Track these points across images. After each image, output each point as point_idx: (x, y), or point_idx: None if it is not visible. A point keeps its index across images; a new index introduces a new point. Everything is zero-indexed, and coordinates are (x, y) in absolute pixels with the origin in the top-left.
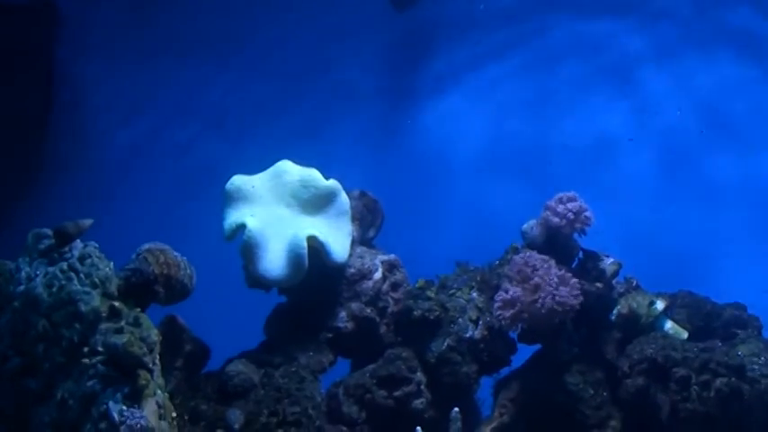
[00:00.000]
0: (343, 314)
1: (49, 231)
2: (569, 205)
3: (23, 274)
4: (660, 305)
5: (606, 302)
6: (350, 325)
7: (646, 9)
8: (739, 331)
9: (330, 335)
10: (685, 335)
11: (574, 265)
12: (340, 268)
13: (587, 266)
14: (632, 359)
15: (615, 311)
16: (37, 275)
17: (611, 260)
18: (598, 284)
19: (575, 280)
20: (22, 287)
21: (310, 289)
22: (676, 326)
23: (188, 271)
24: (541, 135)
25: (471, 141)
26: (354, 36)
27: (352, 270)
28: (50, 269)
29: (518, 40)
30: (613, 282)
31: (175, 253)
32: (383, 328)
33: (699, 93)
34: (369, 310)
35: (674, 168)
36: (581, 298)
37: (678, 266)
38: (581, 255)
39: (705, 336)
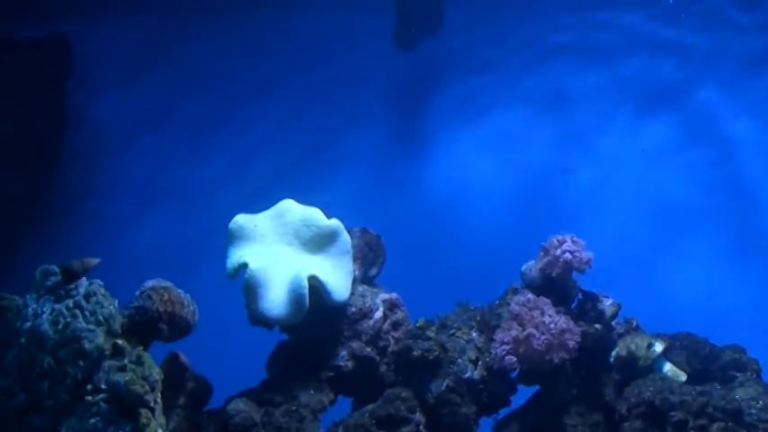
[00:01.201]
0: (343, 353)
1: (56, 268)
2: (568, 246)
3: (30, 310)
4: (658, 347)
5: (605, 344)
6: (350, 364)
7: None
8: (738, 374)
9: (331, 374)
10: (684, 377)
11: (573, 306)
12: (341, 307)
13: (586, 308)
14: (630, 402)
15: (614, 353)
16: (43, 312)
17: (611, 301)
18: (597, 326)
19: (572, 322)
20: (28, 323)
21: (312, 327)
22: (675, 368)
23: (191, 308)
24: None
25: (478, 179)
26: (359, 77)
27: (353, 309)
28: (56, 306)
29: (527, 78)
30: (613, 323)
31: (178, 290)
32: (383, 368)
33: None
34: (369, 350)
35: None
36: (579, 340)
37: None
38: (580, 296)
39: (704, 378)
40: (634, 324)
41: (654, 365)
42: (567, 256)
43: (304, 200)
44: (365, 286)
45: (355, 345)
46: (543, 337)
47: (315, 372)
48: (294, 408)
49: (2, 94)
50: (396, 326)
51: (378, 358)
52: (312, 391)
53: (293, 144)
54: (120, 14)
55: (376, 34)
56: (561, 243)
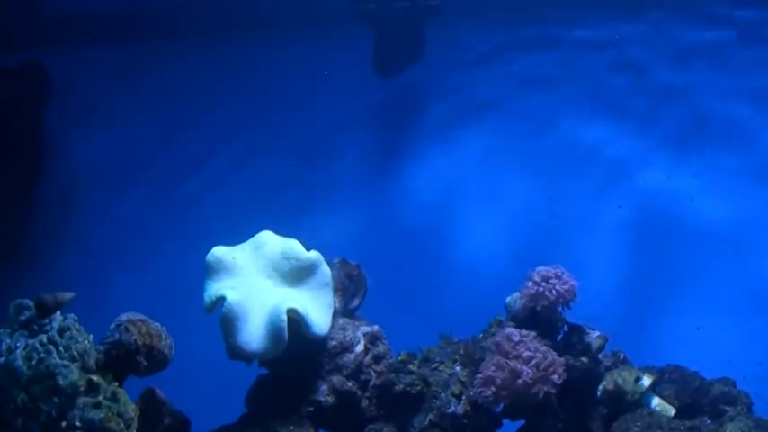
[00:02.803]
0: (323, 387)
1: (30, 303)
2: (553, 278)
3: (4, 345)
4: (646, 381)
5: (592, 377)
6: (330, 398)
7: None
8: (728, 408)
9: (311, 408)
10: (673, 412)
11: (559, 339)
12: (321, 341)
13: (572, 340)
14: None
15: (601, 387)
16: (17, 347)
17: (597, 333)
18: (583, 359)
19: (558, 356)
20: (2, 359)
21: (291, 361)
22: (663, 402)
23: (168, 341)
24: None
25: (461, 208)
26: (339, 106)
27: (334, 342)
28: (30, 341)
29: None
30: (600, 356)
31: (155, 323)
32: (365, 402)
33: None
34: (350, 384)
35: None
36: (564, 375)
37: None
38: (566, 328)
39: (693, 412)
40: (621, 357)
41: (642, 400)
42: (553, 288)
43: (282, 231)
44: (346, 319)
45: (336, 379)
46: (528, 371)
47: (295, 406)
48: None
49: None
50: (377, 359)
51: (359, 393)
52: (292, 427)
53: (273, 174)
54: (101, 43)
55: (356, 63)
56: (547, 275)
